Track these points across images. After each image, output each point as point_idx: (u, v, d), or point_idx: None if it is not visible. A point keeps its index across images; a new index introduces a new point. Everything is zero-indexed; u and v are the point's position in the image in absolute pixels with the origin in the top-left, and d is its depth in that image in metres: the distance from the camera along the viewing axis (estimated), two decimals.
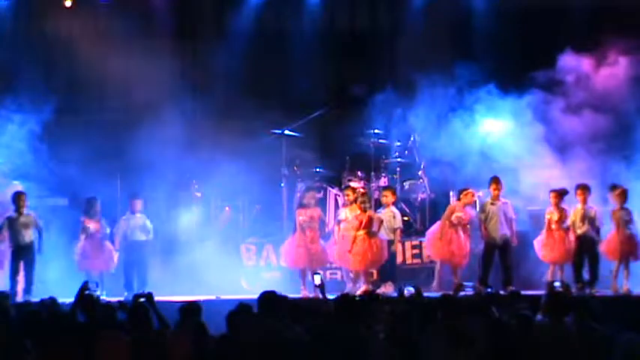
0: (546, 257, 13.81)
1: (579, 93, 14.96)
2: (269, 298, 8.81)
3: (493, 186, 13.86)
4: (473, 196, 13.98)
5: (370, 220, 13.73)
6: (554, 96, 14.97)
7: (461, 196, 13.99)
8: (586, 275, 13.58)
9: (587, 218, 13.64)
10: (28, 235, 13.64)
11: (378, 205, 14.60)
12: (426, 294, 10.31)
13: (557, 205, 13.74)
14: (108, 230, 14.04)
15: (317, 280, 10.62)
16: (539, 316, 9.06)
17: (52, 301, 9.81)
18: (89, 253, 13.86)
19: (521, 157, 14.80)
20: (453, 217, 13.88)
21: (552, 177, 14.46)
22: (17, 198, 13.71)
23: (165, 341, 8.66)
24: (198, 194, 15.51)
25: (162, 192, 14.86)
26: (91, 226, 13.91)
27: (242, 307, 8.84)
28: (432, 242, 14.06)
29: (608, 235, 13.66)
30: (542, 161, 14.74)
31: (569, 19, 15.72)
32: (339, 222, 14.00)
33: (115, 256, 13.98)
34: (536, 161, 14.75)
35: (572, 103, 14.93)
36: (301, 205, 13.96)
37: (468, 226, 13.95)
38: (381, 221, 13.86)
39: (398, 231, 14.12)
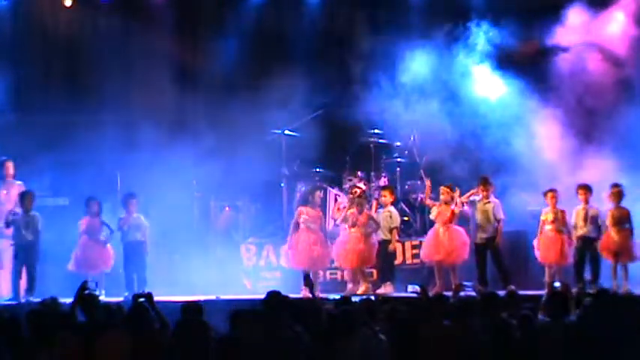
0: (542, 258, 13.78)
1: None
2: (275, 298, 8.81)
3: (481, 187, 13.85)
4: (448, 193, 13.83)
5: (368, 219, 13.73)
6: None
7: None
8: (587, 275, 13.57)
9: (589, 218, 13.62)
10: (30, 235, 13.66)
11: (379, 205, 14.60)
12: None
13: (554, 206, 13.72)
14: (107, 232, 13.99)
15: (306, 280, 10.75)
16: (539, 316, 9.07)
17: (53, 300, 9.80)
18: (84, 254, 13.83)
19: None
20: (432, 216, 13.87)
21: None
22: (25, 197, 13.74)
23: (165, 341, 8.67)
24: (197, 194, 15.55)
25: (161, 191, 14.82)
26: (89, 225, 13.90)
27: (243, 308, 8.87)
28: (424, 245, 14.03)
29: (604, 234, 13.63)
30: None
31: None
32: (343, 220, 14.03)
33: (112, 256, 13.95)
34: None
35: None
36: (304, 203, 13.91)
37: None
38: (378, 223, 13.83)
39: (395, 231, 14.10)
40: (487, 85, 15.68)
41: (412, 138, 15.87)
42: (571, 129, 15.07)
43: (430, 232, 13.87)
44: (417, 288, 9.98)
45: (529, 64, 15.59)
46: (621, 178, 13.93)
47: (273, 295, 8.84)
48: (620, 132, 14.76)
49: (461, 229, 13.75)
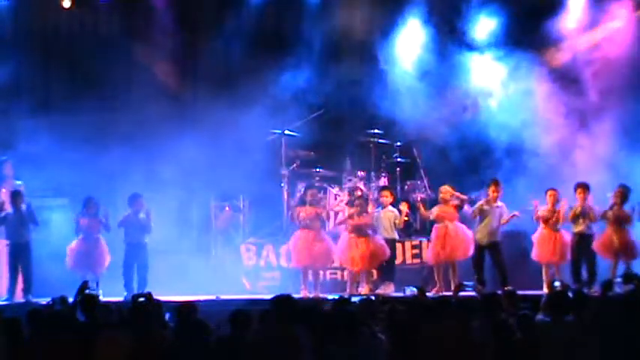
0: (539, 257, 13.78)
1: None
2: (285, 301, 8.81)
3: (492, 188, 13.83)
4: (446, 192, 13.84)
5: (367, 221, 13.75)
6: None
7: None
8: (585, 274, 13.58)
9: (586, 217, 13.62)
10: (23, 233, 13.65)
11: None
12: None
13: (552, 205, 13.72)
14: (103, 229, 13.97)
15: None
16: (539, 316, 9.08)
17: (63, 299, 9.82)
18: (82, 253, 13.82)
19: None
20: (432, 216, 13.86)
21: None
22: (16, 196, 13.71)
23: (165, 341, 8.68)
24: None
25: (161, 191, 14.82)
26: (88, 226, 13.88)
27: (243, 308, 8.89)
28: (431, 246, 14.01)
29: (603, 232, 13.63)
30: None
31: None
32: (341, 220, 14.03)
33: (108, 257, 13.94)
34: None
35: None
36: (301, 204, 13.92)
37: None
38: (371, 223, 13.87)
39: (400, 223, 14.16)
40: (484, 74, 15.69)
41: (412, 137, 15.90)
42: (570, 118, 15.08)
43: (434, 232, 13.83)
44: (415, 290, 9.99)
45: (529, 53, 15.58)
46: (619, 166, 14.02)
47: (283, 300, 8.82)
48: (620, 120, 14.81)
49: (464, 226, 13.78)
